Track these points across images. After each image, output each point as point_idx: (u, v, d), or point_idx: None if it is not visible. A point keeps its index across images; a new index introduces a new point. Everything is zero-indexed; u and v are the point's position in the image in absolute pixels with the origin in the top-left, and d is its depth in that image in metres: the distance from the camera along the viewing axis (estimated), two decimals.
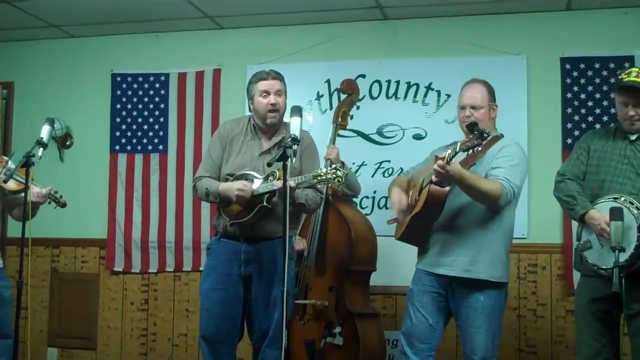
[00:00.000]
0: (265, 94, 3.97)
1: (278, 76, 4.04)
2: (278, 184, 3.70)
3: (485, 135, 3.28)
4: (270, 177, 3.81)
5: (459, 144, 3.40)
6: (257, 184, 3.85)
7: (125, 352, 6.04)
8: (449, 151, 3.42)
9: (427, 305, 3.83)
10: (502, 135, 3.83)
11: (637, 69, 3.69)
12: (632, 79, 3.63)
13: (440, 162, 3.41)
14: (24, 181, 3.95)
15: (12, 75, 6.44)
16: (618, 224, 3.27)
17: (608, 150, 3.77)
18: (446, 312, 3.87)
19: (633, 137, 3.73)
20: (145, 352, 6.01)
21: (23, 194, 3.96)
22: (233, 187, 3.86)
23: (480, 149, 3.35)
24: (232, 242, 4.01)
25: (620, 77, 3.72)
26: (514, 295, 5.34)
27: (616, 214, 3.30)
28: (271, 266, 3.95)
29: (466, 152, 3.40)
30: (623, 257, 3.38)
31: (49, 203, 4.23)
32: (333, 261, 4.47)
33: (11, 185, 4.06)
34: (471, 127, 3.38)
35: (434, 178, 3.49)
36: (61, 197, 4.27)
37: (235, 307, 4.01)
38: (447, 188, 3.58)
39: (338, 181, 3.60)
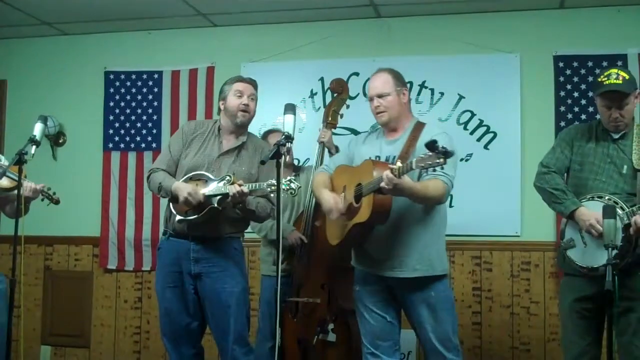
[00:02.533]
0: (239, 94, 4.03)
1: (253, 83, 4.13)
2: (231, 188, 3.74)
3: (449, 153, 3.09)
4: (224, 181, 3.83)
5: (414, 160, 3.18)
6: (211, 186, 3.88)
7: (119, 350, 6.04)
8: (400, 164, 3.24)
9: (379, 303, 3.75)
10: (424, 122, 3.77)
11: (615, 70, 3.68)
12: (612, 81, 3.63)
13: (390, 176, 3.24)
14: (16, 178, 3.95)
15: (5, 73, 6.43)
16: (611, 222, 3.27)
17: (591, 148, 3.78)
18: (396, 306, 3.78)
19: (616, 136, 3.74)
20: (138, 349, 6.01)
21: (15, 191, 3.95)
22: (184, 190, 3.88)
23: (442, 168, 3.21)
24: (181, 241, 4.04)
25: (600, 80, 3.69)
26: (508, 293, 5.36)
27: (609, 211, 3.31)
28: (222, 263, 4.00)
29: (425, 170, 3.29)
30: (606, 257, 3.40)
31: (42, 200, 4.23)
32: (325, 258, 4.47)
33: (3, 182, 4.05)
34: (431, 145, 3.10)
35: (385, 187, 3.30)
36: (54, 193, 4.26)
37: (190, 302, 4.05)
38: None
39: (291, 193, 3.62)
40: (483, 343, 5.39)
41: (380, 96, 3.73)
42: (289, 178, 3.65)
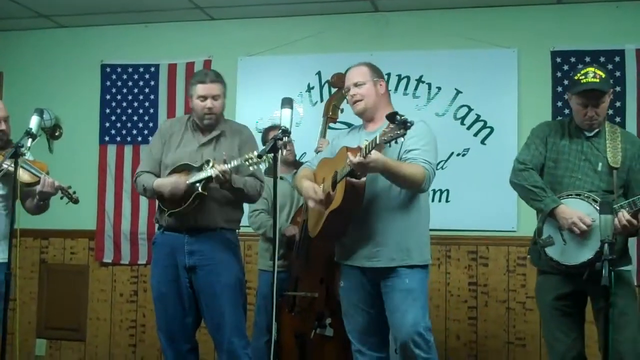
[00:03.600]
0: (202, 98, 4.02)
1: (217, 79, 4.07)
2: (213, 170, 3.76)
3: (409, 123, 3.11)
4: (204, 165, 3.85)
5: (378, 135, 3.21)
6: (193, 174, 3.90)
7: (114, 343, 6.03)
8: (366, 143, 3.27)
9: (365, 298, 3.73)
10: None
11: (592, 69, 3.67)
12: (589, 80, 3.63)
13: (357, 157, 3.26)
14: (38, 174, 4.04)
15: (1, 65, 6.41)
16: (608, 218, 3.27)
17: (565, 145, 3.78)
18: (381, 300, 3.73)
19: (589, 134, 3.75)
20: (134, 343, 6.01)
21: (37, 187, 4.04)
22: (167, 185, 3.93)
23: (404, 139, 3.20)
24: (175, 235, 4.05)
25: (576, 78, 3.69)
26: (503, 288, 5.37)
27: (606, 207, 3.31)
28: (216, 256, 4.01)
29: (388, 144, 3.23)
30: (588, 254, 3.45)
31: (61, 198, 4.22)
32: (323, 252, 4.46)
33: (25, 177, 4.06)
34: (391, 117, 3.14)
35: (351, 171, 3.34)
36: (74, 193, 4.25)
37: (185, 296, 4.06)
38: (364, 179, 3.47)
39: (265, 161, 3.61)
40: (479, 338, 5.40)
41: (356, 85, 3.74)
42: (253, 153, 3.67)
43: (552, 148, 3.81)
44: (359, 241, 3.67)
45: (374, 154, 3.28)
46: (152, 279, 4.18)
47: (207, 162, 3.85)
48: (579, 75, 3.69)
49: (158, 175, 4.09)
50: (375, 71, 3.80)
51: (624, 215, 3.47)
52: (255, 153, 3.64)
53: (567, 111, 5.28)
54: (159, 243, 4.17)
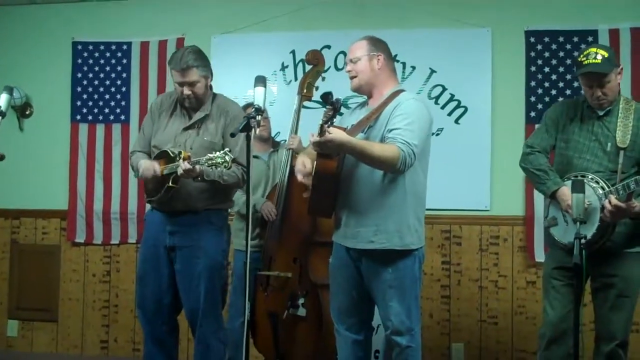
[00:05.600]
0: (178, 85, 4.00)
1: (194, 63, 3.95)
2: (179, 167, 3.74)
3: (333, 101, 3.13)
4: (178, 156, 3.83)
5: (322, 117, 3.28)
6: (170, 163, 3.89)
7: (87, 323, 6.00)
8: (320, 123, 3.28)
9: (349, 278, 3.69)
10: (402, 90, 3.70)
11: (594, 49, 3.66)
12: (591, 61, 3.62)
13: (314, 137, 3.28)
14: None
15: None
16: (579, 197, 3.31)
17: (577, 125, 3.79)
18: (363, 280, 3.70)
19: (601, 113, 3.74)
20: (107, 323, 5.98)
21: None
22: (147, 171, 3.95)
23: (335, 120, 3.24)
24: (161, 214, 4.07)
25: (579, 59, 3.69)
26: (476, 267, 5.41)
27: (578, 186, 3.35)
28: (196, 237, 4.00)
29: (327, 124, 3.22)
30: (587, 234, 3.43)
31: None
32: (297, 232, 4.46)
33: None
34: (325, 98, 3.15)
35: (313, 149, 3.38)
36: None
37: (165, 277, 4.06)
38: (336, 157, 3.47)
39: (225, 166, 3.59)
40: (452, 316, 5.44)
41: (352, 61, 3.70)
42: (225, 150, 3.62)
43: (564, 129, 3.82)
44: (344, 220, 3.66)
45: (333, 134, 3.25)
46: (139, 256, 4.22)
47: (180, 153, 3.82)
48: (581, 56, 3.69)
49: (149, 154, 4.09)
50: (375, 44, 3.71)
51: (611, 201, 3.47)
52: (217, 153, 3.58)
53: (540, 91, 5.31)
54: (148, 221, 4.19)
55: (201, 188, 3.98)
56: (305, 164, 3.65)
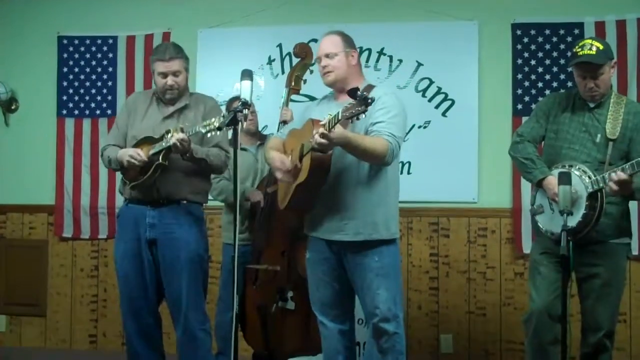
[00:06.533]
0: (162, 75, 4.02)
1: (177, 55, 4.03)
2: (172, 139, 3.74)
3: (369, 100, 3.12)
4: (165, 136, 3.83)
5: (340, 111, 3.21)
6: (155, 147, 3.90)
7: (76, 318, 5.99)
8: (330, 117, 3.27)
9: (328, 271, 3.72)
10: (373, 85, 3.74)
11: (590, 41, 3.69)
12: (586, 52, 3.64)
13: (322, 131, 3.25)
14: None
15: None
16: (566, 188, 3.33)
17: (567, 116, 3.81)
18: (346, 274, 3.73)
19: (592, 105, 3.77)
20: (95, 318, 5.96)
21: None
22: (126, 153, 3.93)
23: (365, 116, 3.22)
24: (139, 207, 4.05)
25: (574, 50, 3.71)
26: (464, 259, 5.43)
27: (564, 178, 3.36)
28: (177, 229, 4.01)
29: (350, 120, 3.23)
30: (571, 222, 3.45)
31: None
32: (285, 226, 4.47)
33: None
34: (352, 93, 3.14)
35: (316, 145, 3.33)
36: None
37: (147, 271, 4.06)
38: (330, 152, 3.46)
39: (221, 123, 3.57)
40: (440, 308, 5.46)
41: (327, 56, 3.70)
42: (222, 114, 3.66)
43: (554, 120, 3.85)
44: (326, 214, 3.66)
45: (338, 130, 3.27)
46: (116, 253, 4.16)
47: (168, 132, 3.82)
48: (577, 47, 3.71)
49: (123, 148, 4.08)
50: (348, 41, 3.75)
51: (618, 175, 3.43)
52: (215, 119, 3.61)
53: (527, 83, 5.33)
54: (123, 216, 4.16)
55: (187, 172, 3.98)
56: (283, 161, 3.68)
